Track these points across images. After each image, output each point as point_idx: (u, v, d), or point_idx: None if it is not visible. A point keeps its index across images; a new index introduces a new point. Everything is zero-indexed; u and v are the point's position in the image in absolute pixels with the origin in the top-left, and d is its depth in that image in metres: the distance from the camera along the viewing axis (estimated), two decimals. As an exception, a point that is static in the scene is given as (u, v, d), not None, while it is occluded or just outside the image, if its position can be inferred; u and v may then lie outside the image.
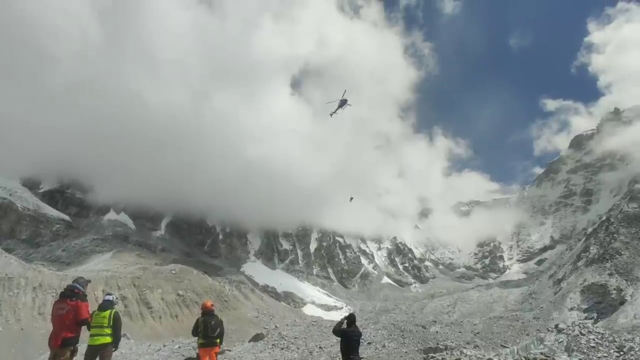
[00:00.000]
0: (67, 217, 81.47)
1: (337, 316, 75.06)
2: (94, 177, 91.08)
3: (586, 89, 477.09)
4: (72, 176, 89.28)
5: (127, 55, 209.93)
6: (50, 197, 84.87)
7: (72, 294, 7.82)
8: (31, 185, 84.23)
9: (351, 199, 35.77)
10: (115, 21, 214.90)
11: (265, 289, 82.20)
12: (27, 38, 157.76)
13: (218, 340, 9.58)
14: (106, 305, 8.27)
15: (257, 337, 36.47)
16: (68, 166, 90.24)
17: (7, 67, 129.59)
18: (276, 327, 48.63)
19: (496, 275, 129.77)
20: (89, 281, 8.83)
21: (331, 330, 9.55)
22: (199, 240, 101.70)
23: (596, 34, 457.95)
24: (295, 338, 28.01)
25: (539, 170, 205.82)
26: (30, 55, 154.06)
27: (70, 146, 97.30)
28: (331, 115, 36.96)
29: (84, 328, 7.91)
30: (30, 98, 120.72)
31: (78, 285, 7.97)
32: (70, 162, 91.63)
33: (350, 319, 8.48)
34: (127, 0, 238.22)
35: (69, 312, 7.62)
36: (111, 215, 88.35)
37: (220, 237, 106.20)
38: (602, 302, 47.06)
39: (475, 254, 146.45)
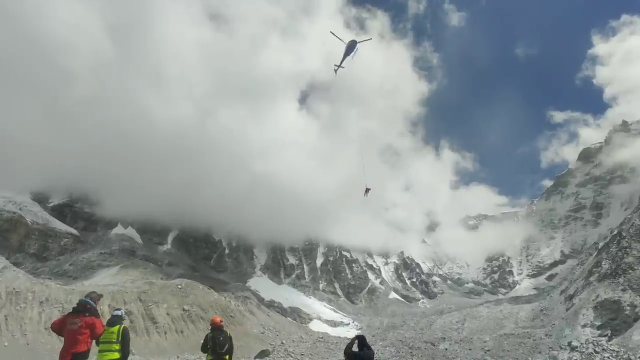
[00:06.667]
0: (75, 231, 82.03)
1: (344, 332, 73.98)
2: (102, 191, 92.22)
3: (592, 101, 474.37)
4: (81, 190, 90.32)
5: (135, 71, 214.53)
6: (60, 212, 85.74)
7: (85, 310, 7.90)
8: (41, 199, 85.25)
9: (367, 190, 28.93)
10: (124, 37, 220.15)
11: (272, 304, 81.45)
12: (37, 53, 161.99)
13: (227, 357, 9.51)
14: (115, 320, 8.25)
15: (263, 354, 36.07)
16: (77, 181, 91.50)
17: (18, 82, 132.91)
18: (282, 343, 48.05)
19: (506, 291, 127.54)
20: (101, 295, 8.86)
21: (342, 351, 9.42)
22: (205, 254, 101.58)
23: (600, 46, 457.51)
24: (302, 354, 27.63)
25: (547, 183, 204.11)
26: (40, 70, 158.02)
27: (79, 161, 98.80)
28: (336, 70, 28.95)
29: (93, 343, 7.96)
30: (41, 113, 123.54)
31: (90, 301, 8.03)
32: (79, 176, 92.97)
33: (362, 340, 8.31)
34: (136, 17, 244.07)
35: (82, 328, 7.70)
36: (118, 230, 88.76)
37: (227, 251, 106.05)
38: (616, 319, 45.81)
39: (484, 268, 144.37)
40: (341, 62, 27.94)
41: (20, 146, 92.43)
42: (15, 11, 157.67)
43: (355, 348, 8.38)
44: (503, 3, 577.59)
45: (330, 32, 27.50)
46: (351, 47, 27.10)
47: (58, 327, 7.91)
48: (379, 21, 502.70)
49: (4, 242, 67.50)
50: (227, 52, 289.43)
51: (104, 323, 8.17)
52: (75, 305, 8.02)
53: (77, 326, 7.67)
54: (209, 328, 9.83)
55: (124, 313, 8.61)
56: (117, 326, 8.10)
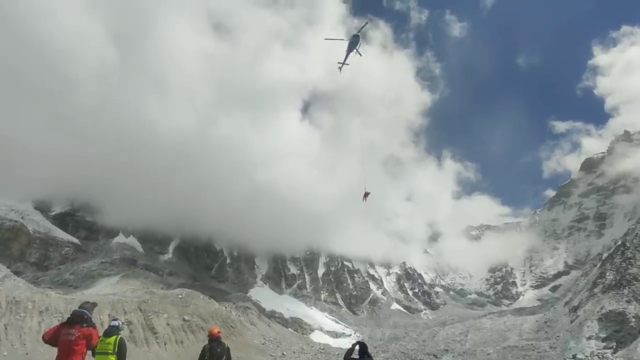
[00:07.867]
0: (76, 240, 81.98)
1: (345, 343, 73.14)
2: (104, 200, 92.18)
3: (593, 111, 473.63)
4: (82, 199, 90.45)
5: (138, 80, 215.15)
6: (61, 221, 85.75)
7: (82, 320, 7.72)
8: (43, 208, 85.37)
9: (366, 194, 27.01)
10: (128, 46, 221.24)
11: (272, 314, 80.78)
12: (41, 61, 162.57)
13: (224, 369, 9.40)
14: (112, 331, 8.17)
15: (263, 365, 35.59)
16: (79, 189, 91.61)
17: (21, 90, 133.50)
18: (283, 354, 47.61)
19: (509, 302, 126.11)
20: (95, 304, 8.76)
21: (340, 358, 9.34)
22: (206, 264, 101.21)
23: (601, 57, 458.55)
24: (303, 366, 27.29)
25: (550, 193, 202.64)
26: (43, 78, 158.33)
27: (81, 170, 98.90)
28: (340, 68, 27.99)
29: (88, 354, 7.85)
30: (43, 121, 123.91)
31: (86, 311, 7.91)
32: (81, 185, 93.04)
33: (362, 348, 8.22)
34: (140, 26, 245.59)
35: (79, 339, 7.51)
36: (120, 239, 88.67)
37: (228, 261, 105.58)
38: (621, 331, 45.21)
39: (487, 279, 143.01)
40: (345, 59, 27.50)
41: (22, 154, 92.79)
42: (18, 19, 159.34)
43: (355, 355, 8.28)
44: (504, 13, 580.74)
45: (325, 38, 27.41)
46: (354, 42, 26.67)
47: (51, 338, 7.66)
48: (381, 32, 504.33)
49: (5, 250, 67.49)
50: (230, 62, 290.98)
51: (101, 333, 8.09)
52: (70, 316, 7.85)
53: (74, 337, 7.47)
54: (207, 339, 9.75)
55: (121, 323, 8.53)
56: (114, 337, 8.02)
